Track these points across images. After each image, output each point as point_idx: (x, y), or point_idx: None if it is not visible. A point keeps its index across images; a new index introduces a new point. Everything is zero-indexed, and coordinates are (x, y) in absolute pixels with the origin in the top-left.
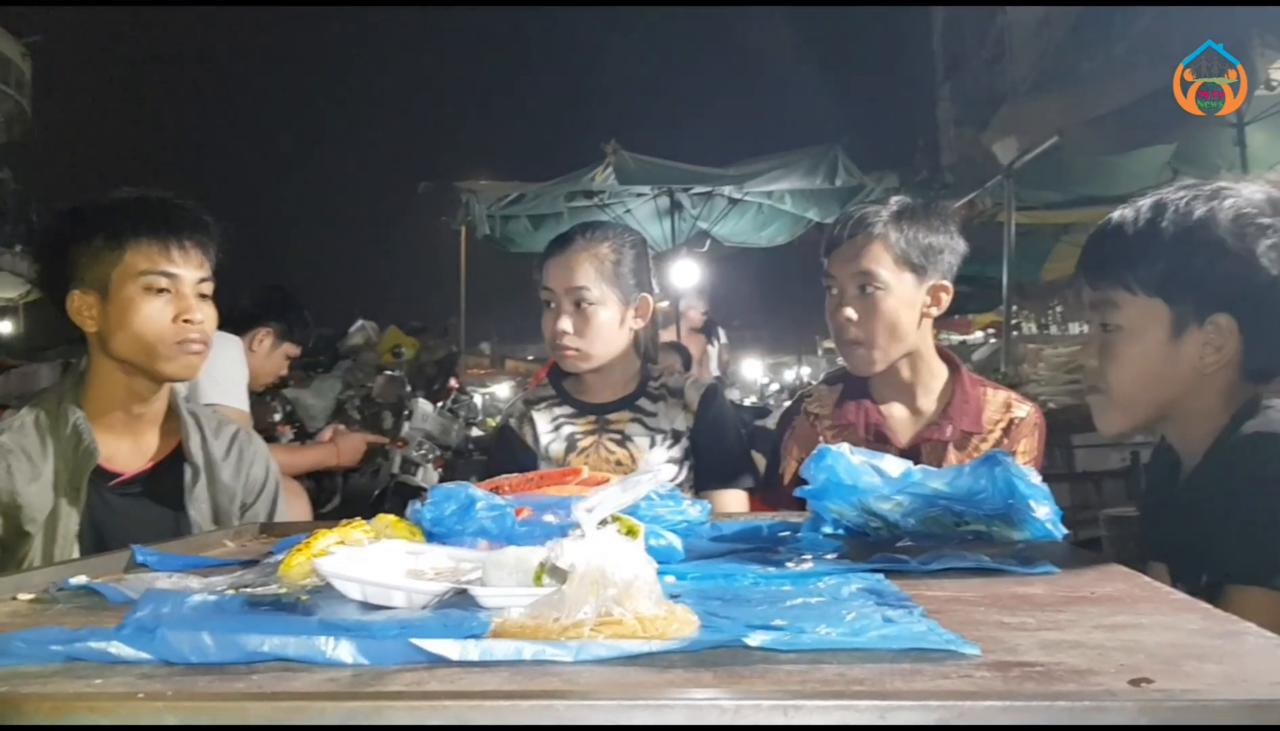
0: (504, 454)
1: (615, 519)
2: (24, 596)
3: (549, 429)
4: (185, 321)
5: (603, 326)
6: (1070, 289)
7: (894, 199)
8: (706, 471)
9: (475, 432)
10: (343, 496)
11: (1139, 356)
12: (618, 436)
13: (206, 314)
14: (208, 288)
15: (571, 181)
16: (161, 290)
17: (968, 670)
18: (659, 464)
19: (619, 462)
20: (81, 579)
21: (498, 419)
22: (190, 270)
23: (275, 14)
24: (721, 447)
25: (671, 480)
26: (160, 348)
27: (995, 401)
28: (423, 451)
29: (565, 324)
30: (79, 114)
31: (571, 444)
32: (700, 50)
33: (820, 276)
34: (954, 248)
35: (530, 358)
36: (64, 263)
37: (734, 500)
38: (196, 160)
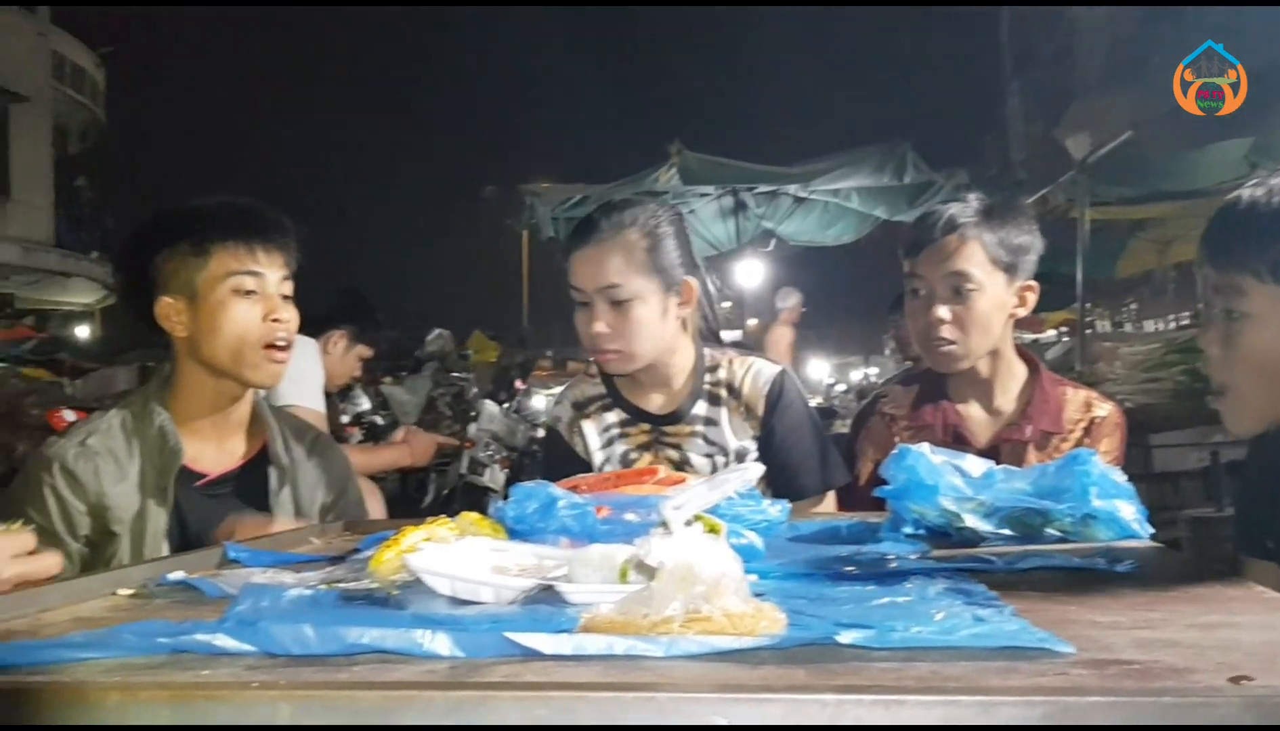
0: (555, 461)
1: (698, 518)
2: (124, 592)
3: (600, 444)
4: (274, 321)
5: (643, 323)
6: (1193, 268)
7: (974, 196)
8: (787, 480)
9: (539, 433)
10: (412, 495)
11: (1266, 348)
12: (675, 457)
13: (290, 314)
14: (289, 288)
15: (635, 183)
16: (249, 292)
17: (1063, 668)
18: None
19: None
20: (179, 574)
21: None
22: (274, 271)
23: (342, 23)
24: (797, 453)
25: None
26: (247, 351)
27: (1075, 401)
28: (489, 452)
29: (601, 325)
30: (152, 123)
31: (626, 466)
32: (765, 49)
33: (894, 275)
34: (1038, 247)
35: (591, 359)
36: (149, 270)
37: (819, 508)
38: (266, 168)
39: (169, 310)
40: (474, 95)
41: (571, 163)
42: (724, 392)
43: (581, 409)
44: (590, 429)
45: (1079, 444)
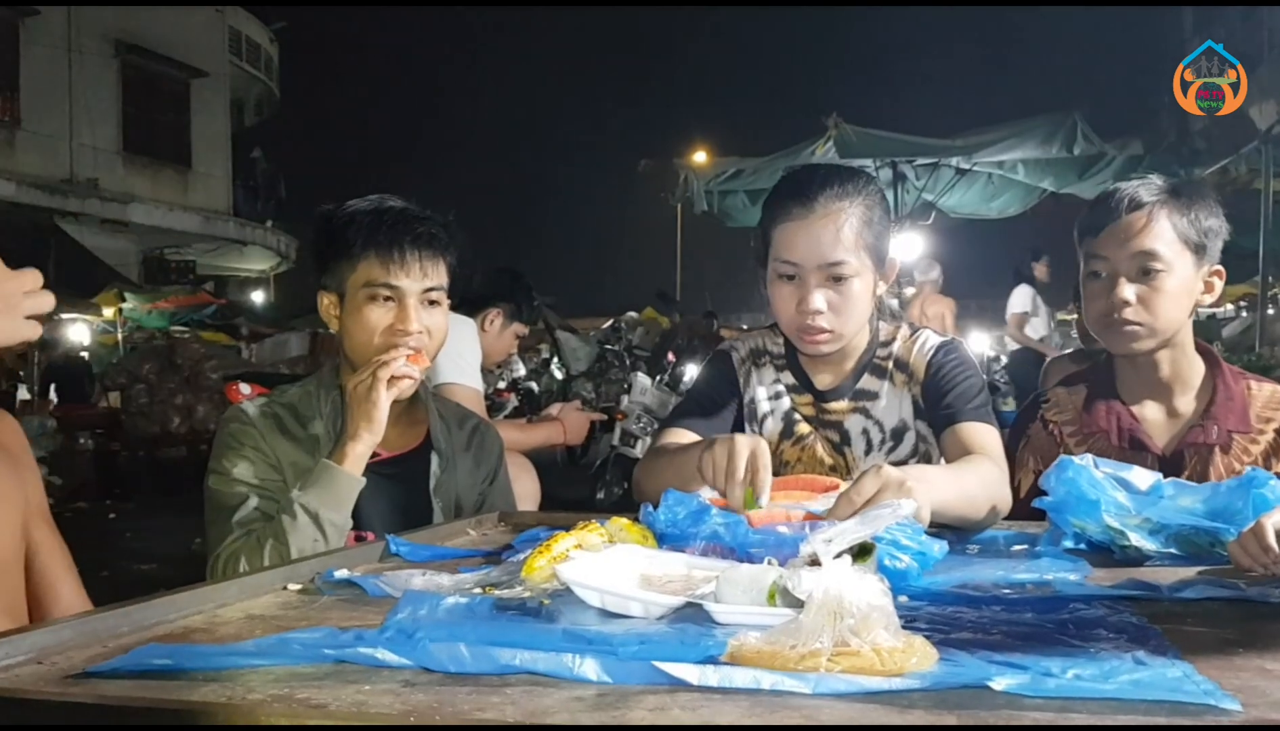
0: (713, 379)
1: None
2: (293, 587)
3: (767, 395)
4: (400, 330)
5: (858, 300)
6: None
7: (1155, 177)
8: (944, 416)
9: None
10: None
11: None
12: (835, 435)
13: (431, 321)
14: (437, 295)
15: (790, 156)
16: (386, 298)
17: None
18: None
19: (832, 468)
20: (344, 573)
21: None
22: (413, 281)
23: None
24: (957, 388)
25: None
26: (372, 353)
27: (1261, 396)
28: (641, 424)
29: (819, 301)
30: (323, 95)
31: (789, 427)
32: (925, 16)
33: (1063, 244)
34: (1224, 232)
35: (744, 326)
36: (319, 265)
37: (982, 434)
38: (429, 139)
39: (327, 304)
40: (628, 71)
41: (726, 136)
42: (891, 365)
43: (757, 358)
44: (758, 379)
45: (1273, 447)
